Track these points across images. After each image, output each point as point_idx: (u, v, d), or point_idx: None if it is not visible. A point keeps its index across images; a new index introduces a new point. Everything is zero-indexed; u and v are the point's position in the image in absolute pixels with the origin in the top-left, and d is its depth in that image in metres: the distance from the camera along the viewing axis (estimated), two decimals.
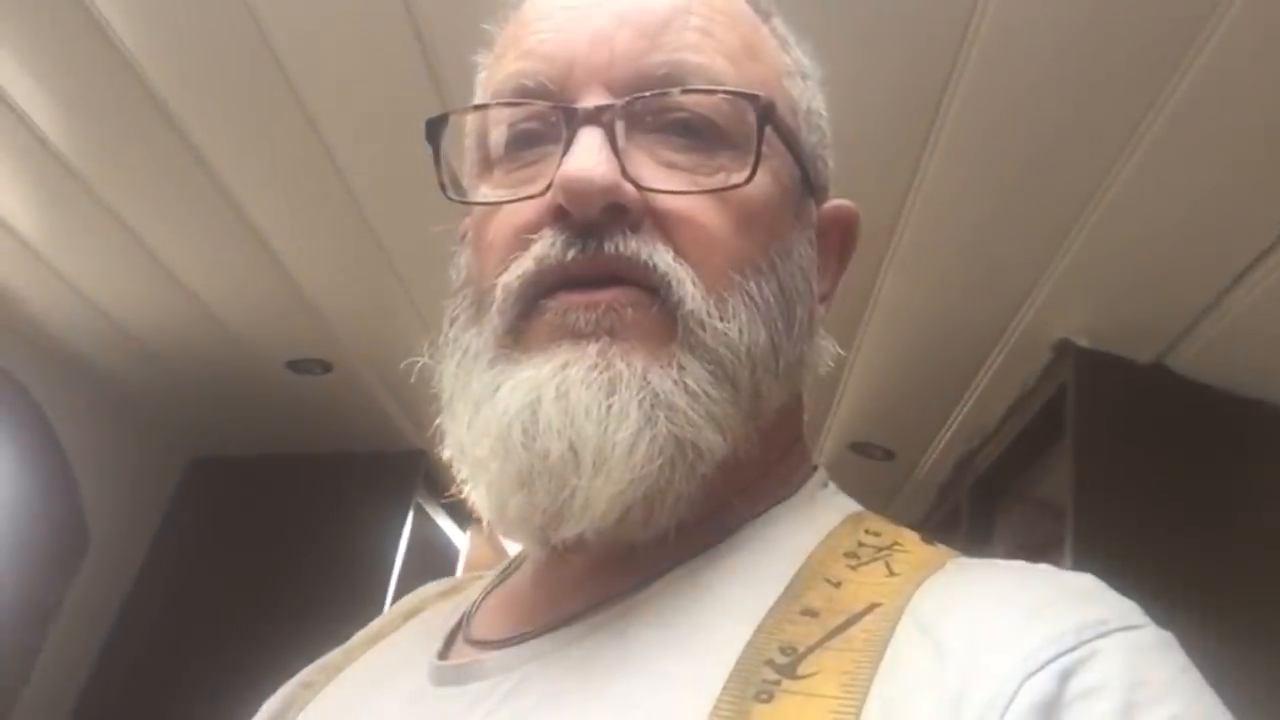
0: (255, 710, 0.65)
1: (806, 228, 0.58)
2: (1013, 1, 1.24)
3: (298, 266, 2.07)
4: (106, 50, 1.51)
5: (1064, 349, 1.85)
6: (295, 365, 2.43)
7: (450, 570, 3.05)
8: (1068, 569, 1.65)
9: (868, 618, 0.45)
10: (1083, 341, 1.81)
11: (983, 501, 2.29)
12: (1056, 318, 1.80)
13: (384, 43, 1.47)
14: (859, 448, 2.43)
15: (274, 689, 0.67)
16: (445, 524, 2.99)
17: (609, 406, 0.47)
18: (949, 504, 2.50)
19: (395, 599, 2.66)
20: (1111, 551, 1.65)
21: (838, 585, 0.48)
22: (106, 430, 2.63)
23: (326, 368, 2.43)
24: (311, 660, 0.68)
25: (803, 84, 0.60)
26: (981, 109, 1.41)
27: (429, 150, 0.56)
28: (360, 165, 1.76)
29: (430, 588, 0.72)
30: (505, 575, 0.63)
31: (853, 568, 0.49)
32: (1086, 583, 0.47)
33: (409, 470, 2.76)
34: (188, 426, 2.79)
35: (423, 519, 2.86)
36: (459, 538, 3.06)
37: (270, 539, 2.76)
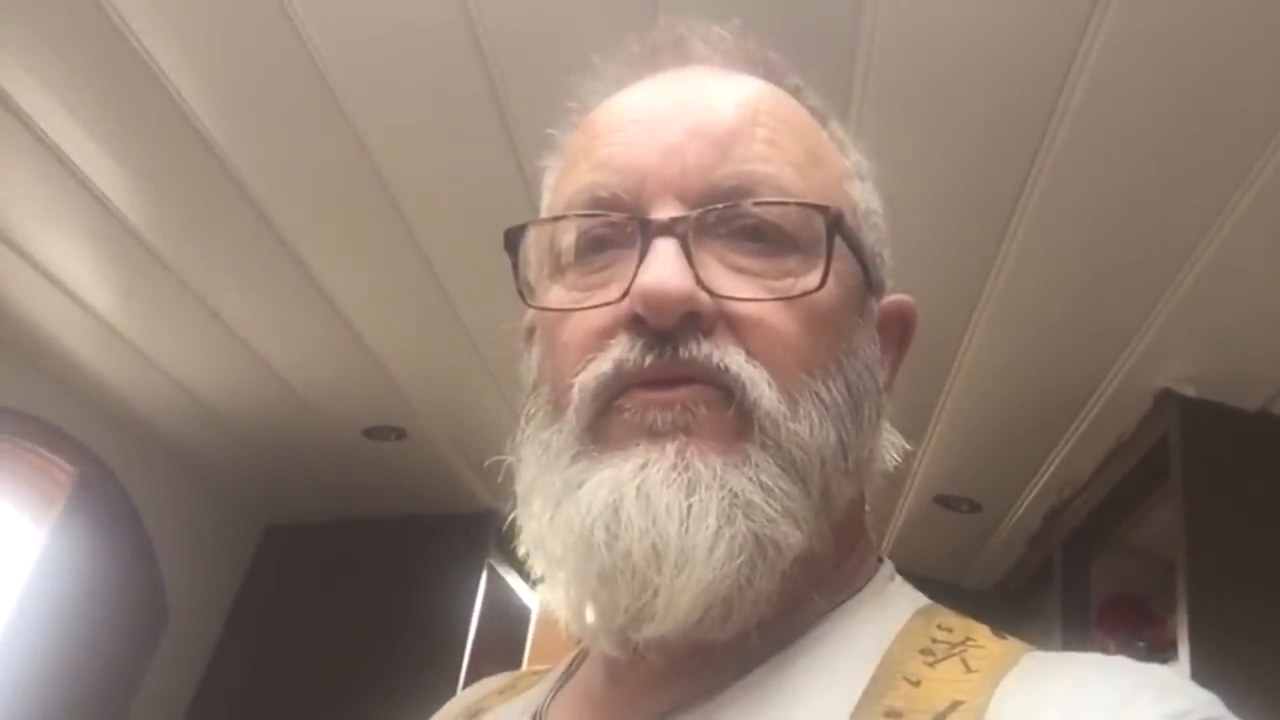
0: None
1: (869, 325, 0.59)
2: (1117, 41, 1.21)
3: (374, 338, 2.08)
4: (186, 132, 1.53)
5: (1166, 398, 1.80)
6: (371, 433, 2.47)
7: (523, 627, 3.05)
8: (1184, 617, 1.60)
9: (952, 717, 0.45)
10: (1187, 390, 1.76)
11: (1077, 552, 2.24)
12: (1157, 368, 1.75)
13: (463, 119, 1.47)
14: (944, 500, 2.36)
15: None
16: (516, 583, 2.98)
17: (689, 506, 0.48)
18: (1038, 556, 2.44)
19: (472, 658, 2.64)
20: (1226, 598, 1.64)
21: (917, 684, 0.48)
22: (184, 502, 2.66)
23: (401, 434, 2.46)
24: None
25: (861, 185, 0.62)
26: (1083, 152, 1.37)
27: (505, 246, 0.59)
28: (436, 238, 1.76)
29: (488, 684, 0.72)
30: (570, 671, 0.63)
31: (930, 665, 0.50)
32: (1164, 675, 0.47)
33: (481, 530, 2.78)
34: (264, 496, 2.81)
35: (495, 578, 2.86)
36: (530, 596, 3.04)
37: (347, 603, 2.77)
